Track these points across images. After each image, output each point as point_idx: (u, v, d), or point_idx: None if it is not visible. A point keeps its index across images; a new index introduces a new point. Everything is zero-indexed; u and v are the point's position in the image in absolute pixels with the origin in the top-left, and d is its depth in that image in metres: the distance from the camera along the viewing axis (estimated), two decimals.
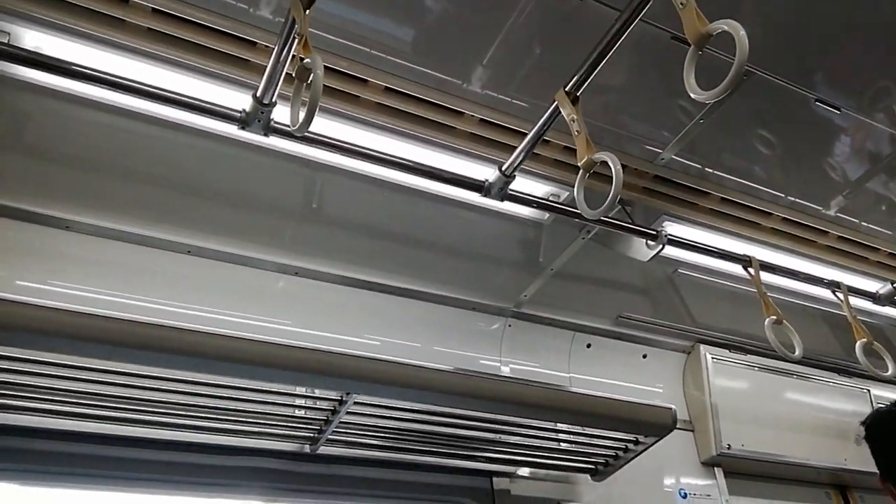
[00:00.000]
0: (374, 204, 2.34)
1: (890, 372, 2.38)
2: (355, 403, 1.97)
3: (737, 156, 2.32)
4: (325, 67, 1.73)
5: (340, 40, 1.78)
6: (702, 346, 3.16)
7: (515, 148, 1.89)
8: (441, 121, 1.99)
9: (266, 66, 1.56)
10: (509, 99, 2.00)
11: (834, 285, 2.61)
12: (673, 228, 2.41)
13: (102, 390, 1.80)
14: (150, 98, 1.64)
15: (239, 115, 1.66)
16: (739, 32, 1.19)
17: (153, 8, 1.62)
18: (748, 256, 2.39)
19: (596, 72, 1.56)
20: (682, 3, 1.29)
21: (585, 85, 1.59)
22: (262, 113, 1.64)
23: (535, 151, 1.93)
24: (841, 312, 2.58)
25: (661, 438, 2.34)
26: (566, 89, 1.60)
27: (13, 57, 1.59)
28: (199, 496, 2.11)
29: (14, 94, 1.85)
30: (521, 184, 2.10)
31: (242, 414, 1.98)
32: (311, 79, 1.28)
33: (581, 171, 1.57)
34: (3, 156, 1.99)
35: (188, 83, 1.75)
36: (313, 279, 2.48)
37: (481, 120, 2.02)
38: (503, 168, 1.91)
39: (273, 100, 1.61)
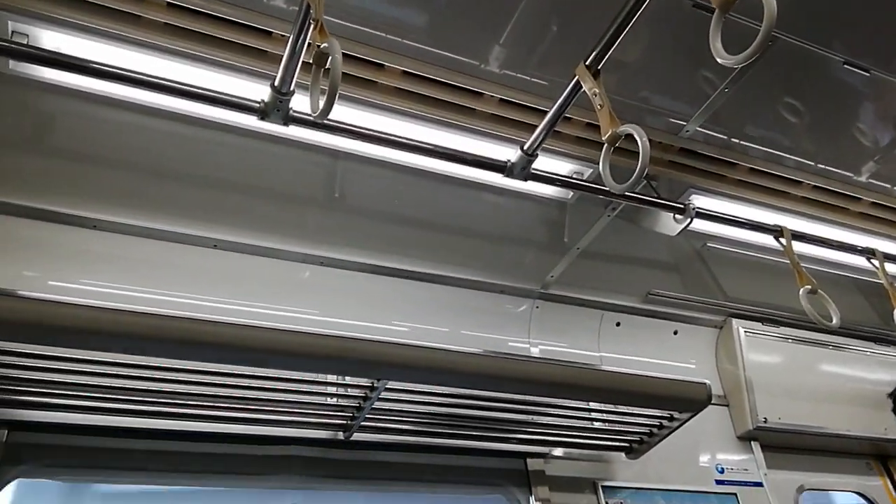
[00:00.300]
0: (397, 190, 2.34)
1: None
2: (386, 389, 1.98)
3: (763, 124, 2.27)
4: (342, 54, 1.74)
5: (356, 26, 1.76)
6: (734, 321, 3.12)
7: (536, 127, 1.87)
8: (460, 103, 1.97)
9: (282, 56, 1.55)
10: (528, 77, 1.97)
11: (868, 252, 2.54)
12: (700, 201, 2.37)
13: (136, 385, 1.82)
14: (168, 92, 1.64)
15: (258, 105, 1.66)
16: None
17: (168, 2, 1.62)
18: (779, 226, 2.34)
19: (617, 43, 1.53)
20: None
21: (607, 57, 1.55)
22: (281, 102, 1.63)
23: (556, 129, 1.90)
24: (876, 280, 2.52)
25: (696, 414, 2.32)
26: (587, 63, 1.57)
27: (34, 57, 1.60)
28: (235, 486, 2.14)
29: (37, 96, 1.87)
30: (544, 163, 2.08)
31: (276, 404, 1.99)
32: (329, 63, 1.27)
33: (605, 146, 1.54)
34: (28, 158, 2.02)
35: (206, 76, 1.75)
36: (339, 268, 2.49)
37: (501, 100, 2.00)
38: (525, 147, 1.88)
39: (291, 89, 1.60)
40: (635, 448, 2.51)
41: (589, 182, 2.17)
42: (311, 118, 1.38)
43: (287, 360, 1.80)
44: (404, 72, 1.88)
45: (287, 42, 1.50)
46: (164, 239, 2.23)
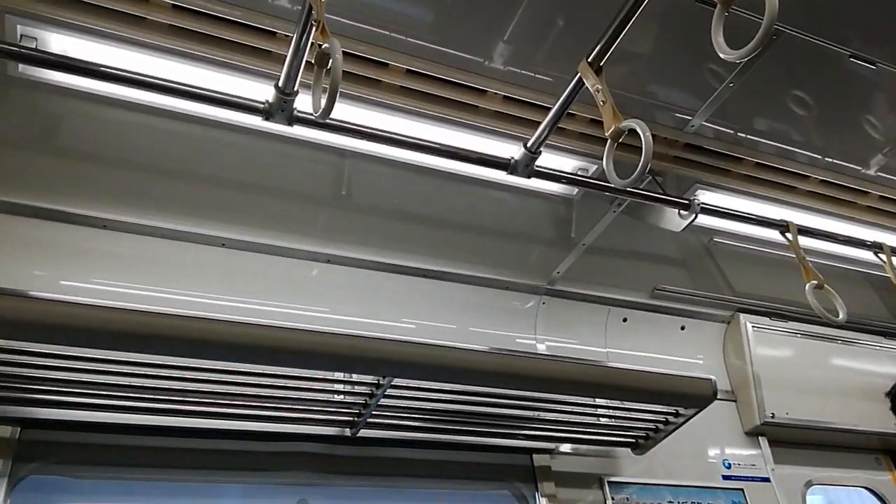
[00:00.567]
0: (403, 188, 2.35)
1: None
2: (393, 386, 1.99)
3: (770, 118, 2.26)
4: (346, 53, 1.74)
5: (359, 25, 1.77)
6: (741, 315, 3.11)
7: (541, 123, 1.87)
8: (464, 100, 1.98)
9: (286, 56, 1.56)
10: (532, 74, 1.97)
11: (876, 246, 2.53)
12: (706, 197, 2.37)
13: (148, 383, 1.85)
14: (174, 94, 1.66)
15: (262, 106, 1.67)
16: None
17: (173, 4, 1.63)
18: (785, 221, 2.33)
19: (619, 40, 1.53)
20: None
21: (609, 54, 1.55)
22: (286, 103, 1.64)
23: (560, 126, 1.90)
24: (885, 274, 2.51)
25: (702, 410, 2.32)
26: (589, 60, 1.57)
27: (42, 61, 1.63)
28: (244, 482, 2.16)
29: (45, 98, 1.90)
30: (549, 160, 2.08)
31: (283, 401, 2.01)
32: (330, 64, 1.28)
33: (609, 142, 1.54)
34: (37, 159, 2.04)
35: (211, 77, 1.77)
36: (346, 266, 2.51)
37: (505, 97, 2.00)
38: (528, 145, 1.89)
39: (295, 89, 1.61)
40: (641, 444, 2.51)
41: (593, 178, 2.17)
42: (314, 118, 1.39)
43: (294, 358, 1.82)
44: (408, 70, 1.88)
45: (290, 42, 1.52)
46: (172, 238, 2.25)
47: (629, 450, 2.56)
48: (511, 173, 1.97)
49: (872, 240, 2.57)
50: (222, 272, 2.31)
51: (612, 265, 2.82)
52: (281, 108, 1.66)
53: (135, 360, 1.77)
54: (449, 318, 2.64)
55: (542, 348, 2.75)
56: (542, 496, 2.45)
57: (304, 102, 1.64)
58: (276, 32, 1.73)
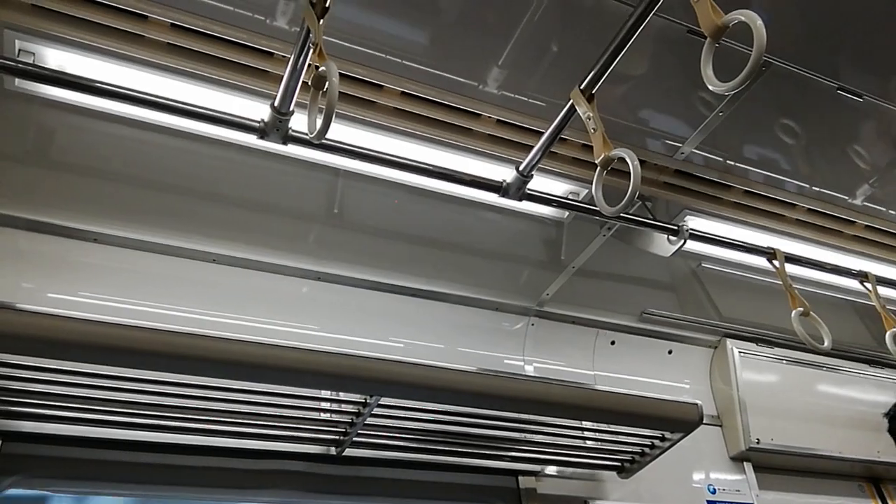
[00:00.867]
0: (395, 207, 2.36)
1: None
2: (379, 406, 1.99)
3: (759, 147, 2.29)
4: (342, 74, 1.75)
5: (356, 47, 1.79)
6: (728, 341, 3.13)
7: (533, 147, 1.89)
8: (458, 123, 2.00)
9: (283, 76, 1.58)
10: (526, 98, 2.00)
11: (861, 275, 2.56)
12: (695, 223, 2.39)
13: (127, 398, 1.84)
14: (171, 112, 1.67)
15: (258, 125, 1.68)
16: (756, 22, 1.18)
17: (171, 23, 1.65)
18: (772, 249, 2.36)
19: (611, 69, 1.56)
20: None
21: (601, 83, 1.58)
22: (281, 122, 1.66)
23: (553, 150, 1.92)
24: (870, 302, 2.54)
25: (687, 434, 2.33)
26: (581, 87, 1.60)
27: (39, 77, 1.63)
28: (227, 500, 2.14)
29: (40, 111, 1.90)
30: (541, 183, 2.10)
31: (269, 418, 2.01)
32: (326, 87, 1.29)
33: (598, 169, 1.57)
34: (30, 171, 2.04)
35: (208, 95, 1.78)
36: (337, 283, 2.51)
37: (498, 121, 2.02)
38: (520, 168, 1.91)
39: (291, 109, 1.63)
40: (627, 467, 2.51)
41: (584, 203, 2.19)
42: (309, 139, 1.41)
43: (279, 376, 1.82)
44: (403, 92, 1.90)
45: (287, 63, 1.53)
46: (163, 253, 2.25)
47: (615, 473, 2.56)
48: (503, 196, 1.99)
49: (858, 269, 2.60)
50: (212, 288, 2.30)
51: (602, 288, 2.83)
52: (276, 128, 1.68)
53: (120, 374, 1.76)
54: (438, 337, 2.64)
55: (530, 370, 2.76)
56: None
57: (298, 122, 1.65)
58: (273, 53, 1.74)
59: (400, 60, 1.84)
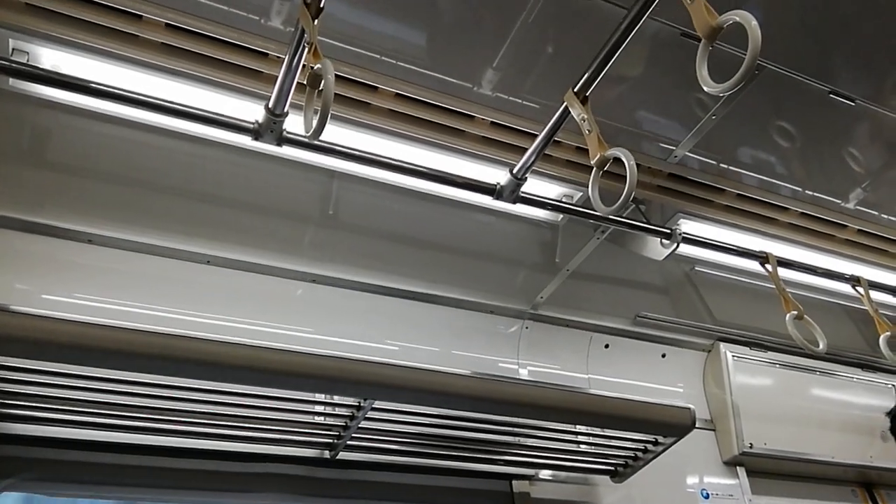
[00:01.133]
0: (390, 209, 2.36)
1: None
2: (373, 409, 1.99)
3: (752, 151, 2.30)
4: (336, 76, 1.77)
5: (350, 48, 1.79)
6: (722, 345, 3.14)
7: (527, 149, 1.89)
8: (452, 125, 2.00)
9: (277, 77, 1.58)
10: (520, 101, 2.00)
11: (854, 279, 2.57)
12: (688, 226, 2.40)
13: (121, 400, 1.83)
14: (165, 112, 1.67)
15: (252, 126, 1.68)
16: (751, 23, 1.18)
17: (166, 23, 1.65)
18: (765, 253, 2.37)
19: (605, 71, 1.56)
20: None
21: (594, 85, 1.59)
22: (275, 123, 1.65)
23: (547, 153, 1.93)
24: (863, 306, 2.55)
25: (681, 439, 2.33)
26: (575, 90, 1.60)
27: (33, 77, 1.62)
28: (221, 503, 2.13)
29: (34, 112, 1.90)
30: (535, 185, 2.10)
31: (263, 421, 2.00)
32: (322, 85, 1.29)
33: (594, 170, 1.57)
34: (24, 172, 2.04)
35: (202, 96, 1.78)
36: (332, 286, 2.51)
37: (493, 123, 2.03)
38: (514, 171, 1.91)
39: (285, 110, 1.63)
40: (620, 472, 2.51)
41: (578, 205, 2.20)
42: (304, 139, 1.41)
43: (273, 379, 1.81)
44: (397, 94, 1.90)
45: (282, 63, 1.53)
46: (157, 254, 2.24)
47: (608, 477, 2.55)
48: (497, 198, 1.99)
49: (850, 273, 2.61)
50: (206, 290, 2.29)
51: (596, 291, 2.84)
52: (270, 129, 1.67)
53: (113, 377, 1.75)
54: (432, 340, 2.64)
55: (524, 373, 2.75)
56: None
57: (293, 123, 1.65)
58: (268, 53, 1.74)
59: (394, 62, 1.85)
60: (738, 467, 2.99)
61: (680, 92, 2.06)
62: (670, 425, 2.30)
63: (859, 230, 2.63)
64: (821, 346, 2.13)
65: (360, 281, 2.53)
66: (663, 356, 3.08)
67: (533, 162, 1.87)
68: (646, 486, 2.64)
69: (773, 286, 2.32)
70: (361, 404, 1.97)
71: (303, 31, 1.39)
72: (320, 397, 2.02)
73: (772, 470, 3.05)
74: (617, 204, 1.47)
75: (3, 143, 1.96)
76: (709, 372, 3.15)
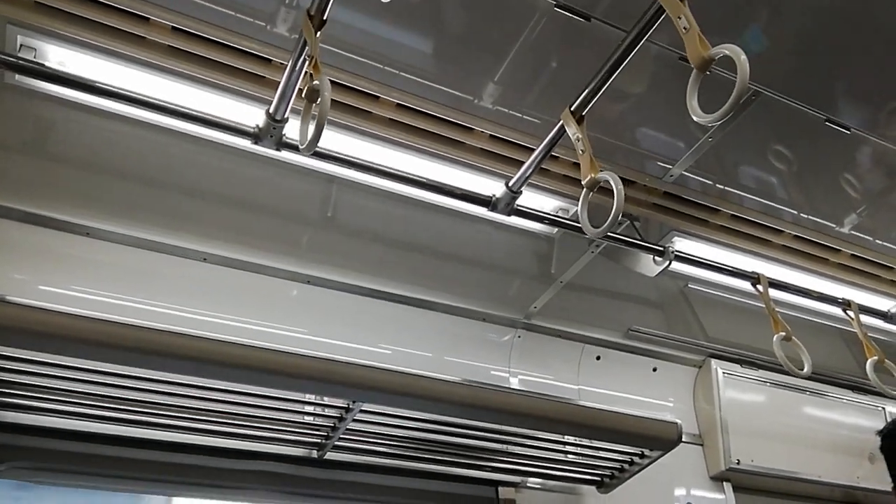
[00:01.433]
0: (388, 214, 2.38)
1: None
2: (361, 411, 2.01)
3: (747, 173, 2.32)
4: (338, 84, 1.80)
5: (353, 57, 1.82)
6: (713, 361, 3.15)
7: (524, 163, 1.92)
8: (452, 136, 2.02)
9: (279, 82, 1.60)
10: (520, 115, 2.02)
11: (845, 303, 2.59)
12: (682, 244, 2.42)
13: (113, 393, 1.86)
14: (168, 114, 1.70)
15: (252, 130, 1.71)
16: (740, 57, 1.21)
17: (173, 26, 1.67)
18: (756, 273, 2.39)
19: (601, 92, 1.59)
20: (685, 28, 1.31)
21: (591, 105, 1.61)
22: (275, 129, 1.68)
23: (544, 167, 1.95)
24: (854, 329, 2.56)
25: (667, 453, 2.35)
26: (571, 109, 1.63)
27: (39, 74, 1.66)
28: (207, 499, 2.16)
29: (38, 104, 1.92)
30: (530, 198, 2.13)
31: (252, 419, 2.03)
32: (319, 101, 1.32)
33: (584, 190, 1.60)
34: (26, 163, 2.06)
35: (205, 98, 1.80)
36: (327, 288, 2.53)
37: (491, 136, 2.05)
38: (510, 184, 1.94)
39: (285, 116, 1.66)
40: (607, 483, 2.53)
41: (571, 221, 2.22)
42: (300, 149, 1.43)
43: (262, 377, 1.84)
44: (398, 104, 1.93)
45: (284, 70, 1.56)
46: (154, 250, 2.27)
47: (595, 488, 2.58)
48: (492, 210, 2.02)
49: (842, 296, 2.63)
50: (201, 287, 2.32)
51: (589, 303, 2.85)
52: (270, 134, 1.70)
53: (105, 369, 1.78)
54: (425, 346, 2.66)
55: (515, 382, 2.78)
56: None
57: (293, 129, 1.68)
58: (271, 60, 1.77)
59: (397, 72, 1.87)
60: (724, 482, 3.01)
61: (677, 112, 2.03)
62: (657, 439, 2.32)
63: (853, 255, 2.64)
64: (805, 369, 2.15)
65: (356, 284, 2.55)
66: (654, 370, 3.10)
67: (529, 175, 1.89)
68: (632, 497, 2.66)
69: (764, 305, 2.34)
70: (350, 406, 2.00)
71: (304, 43, 1.42)
72: (310, 397, 2.04)
73: (759, 486, 3.06)
74: (604, 226, 1.50)
75: (5, 135, 1.99)
76: (699, 387, 3.16)
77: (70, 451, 2.00)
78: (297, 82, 1.53)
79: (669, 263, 2.25)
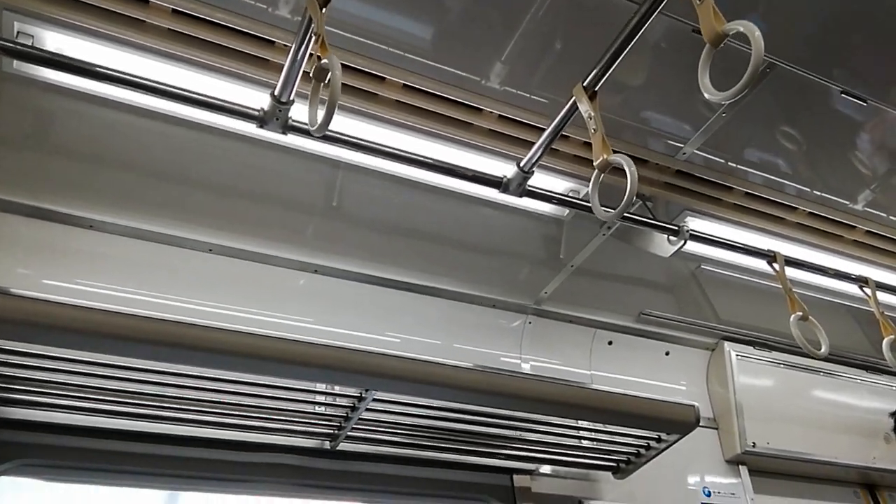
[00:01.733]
0: (395, 201, 2.35)
1: None
2: (374, 400, 1.98)
3: (761, 149, 2.28)
4: (344, 66, 1.75)
5: (358, 38, 1.78)
6: (726, 343, 3.12)
7: (534, 143, 1.88)
8: (460, 118, 1.99)
9: (284, 65, 1.56)
10: (529, 95, 1.98)
11: (861, 280, 2.55)
12: (695, 224, 2.38)
13: (122, 387, 1.83)
14: (170, 98, 1.66)
15: (257, 113, 1.67)
16: (755, 33, 1.17)
17: (173, 9, 1.63)
18: (773, 252, 2.35)
19: (614, 66, 1.54)
20: (699, 0, 1.27)
21: (604, 80, 1.57)
22: (281, 111, 1.64)
23: (554, 147, 1.92)
24: (869, 308, 2.53)
25: (684, 436, 2.32)
26: (584, 84, 1.58)
27: (37, 59, 1.62)
28: (220, 492, 2.14)
29: (39, 95, 1.88)
30: (541, 180, 2.09)
31: (264, 411, 2.00)
32: (328, 79, 1.28)
33: (596, 172, 1.56)
34: (27, 156, 2.03)
35: (208, 82, 1.76)
36: (334, 277, 2.50)
37: (500, 116, 2.01)
38: (521, 164, 1.90)
39: (291, 98, 1.62)
40: (622, 468, 2.50)
41: (584, 200, 2.18)
42: (310, 131, 1.40)
43: (273, 367, 1.80)
44: (405, 85, 1.89)
45: (288, 52, 1.52)
46: (159, 241, 2.24)
47: (610, 474, 2.55)
48: (503, 191, 1.98)
49: (858, 273, 2.59)
50: (208, 278, 2.29)
51: (600, 287, 2.82)
52: (276, 117, 1.66)
53: (113, 363, 1.75)
54: (434, 333, 2.63)
55: (526, 368, 2.75)
56: None
57: (298, 111, 1.64)
58: (274, 42, 1.73)
59: (403, 53, 1.83)
60: (740, 466, 2.98)
61: (689, 89, 2.01)
62: (674, 422, 2.29)
63: (868, 231, 2.60)
64: (823, 350, 2.11)
65: (363, 272, 2.52)
66: (667, 354, 3.07)
67: (540, 156, 1.85)
68: (647, 482, 2.64)
69: (779, 286, 2.30)
70: (363, 395, 1.97)
71: (310, 21, 1.37)
72: (321, 388, 2.02)
73: (774, 469, 3.04)
74: (616, 210, 1.46)
75: (6, 127, 1.95)
76: (712, 370, 3.13)
77: (79, 447, 1.96)
78: (302, 63, 1.49)
79: (684, 243, 2.21)
